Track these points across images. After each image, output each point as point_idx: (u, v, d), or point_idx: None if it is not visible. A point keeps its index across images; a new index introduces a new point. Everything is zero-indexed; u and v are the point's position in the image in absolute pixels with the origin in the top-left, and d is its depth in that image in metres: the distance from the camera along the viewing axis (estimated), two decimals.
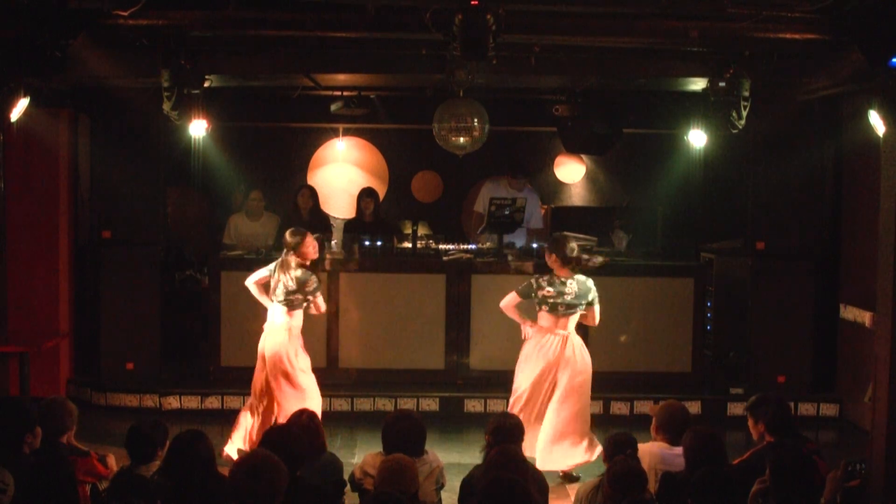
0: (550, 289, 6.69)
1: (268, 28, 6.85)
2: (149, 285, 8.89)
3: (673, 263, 9.17)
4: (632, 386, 8.67)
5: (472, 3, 5.76)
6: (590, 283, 6.80)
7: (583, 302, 6.75)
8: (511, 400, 6.91)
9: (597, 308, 6.88)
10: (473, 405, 8.45)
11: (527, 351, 6.85)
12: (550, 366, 6.71)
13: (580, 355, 6.79)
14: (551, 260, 6.78)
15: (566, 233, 7.44)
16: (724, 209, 10.10)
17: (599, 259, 6.89)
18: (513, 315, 6.92)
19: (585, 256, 6.80)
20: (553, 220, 10.04)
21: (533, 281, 6.78)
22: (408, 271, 8.84)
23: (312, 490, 4.53)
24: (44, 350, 8.10)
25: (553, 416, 6.75)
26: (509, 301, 6.86)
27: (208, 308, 8.84)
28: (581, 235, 9.14)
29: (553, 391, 6.75)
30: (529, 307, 6.92)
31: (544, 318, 6.77)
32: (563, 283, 6.70)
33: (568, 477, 6.79)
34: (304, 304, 6.90)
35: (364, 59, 7.99)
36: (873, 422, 5.10)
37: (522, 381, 6.80)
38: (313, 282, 6.87)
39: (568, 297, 6.70)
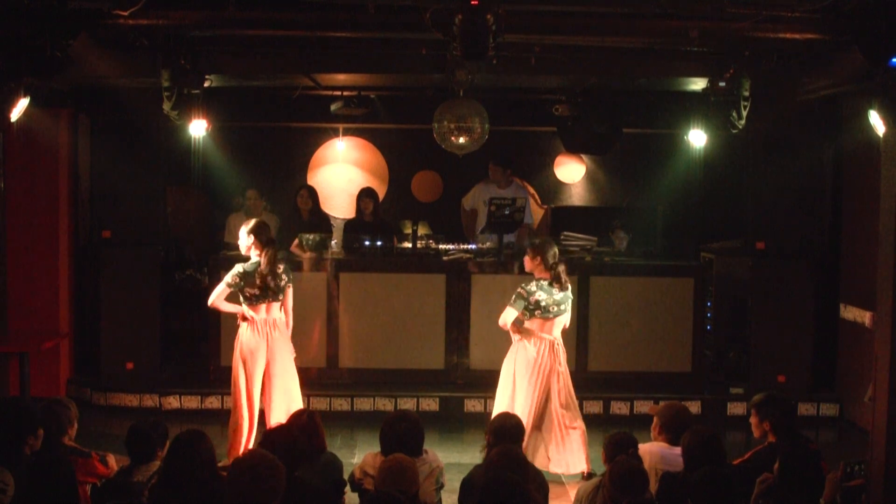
0: (542, 293, 6.68)
1: (268, 28, 6.86)
2: (149, 285, 8.88)
3: (673, 263, 9.15)
4: (632, 386, 8.66)
5: (472, 3, 5.75)
6: (568, 289, 6.82)
7: (563, 305, 6.76)
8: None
9: (568, 315, 6.86)
10: (473, 405, 8.44)
11: (516, 359, 6.76)
12: (541, 371, 6.70)
13: (563, 357, 6.82)
14: (535, 263, 6.77)
15: (563, 235, 7.33)
16: (724, 209, 10.10)
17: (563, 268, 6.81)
18: (513, 331, 6.82)
19: (561, 268, 6.73)
20: (553, 221, 10.02)
21: (522, 290, 6.69)
22: (408, 271, 8.82)
23: (312, 490, 4.53)
24: (44, 350, 8.09)
25: (557, 421, 6.77)
26: (509, 318, 6.70)
27: (208, 308, 8.81)
28: (581, 235, 9.15)
29: (548, 397, 6.75)
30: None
31: (533, 322, 6.74)
32: (551, 286, 6.72)
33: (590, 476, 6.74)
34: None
35: (364, 59, 7.99)
36: (873, 422, 5.10)
37: (514, 392, 6.71)
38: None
39: (557, 297, 6.71)
